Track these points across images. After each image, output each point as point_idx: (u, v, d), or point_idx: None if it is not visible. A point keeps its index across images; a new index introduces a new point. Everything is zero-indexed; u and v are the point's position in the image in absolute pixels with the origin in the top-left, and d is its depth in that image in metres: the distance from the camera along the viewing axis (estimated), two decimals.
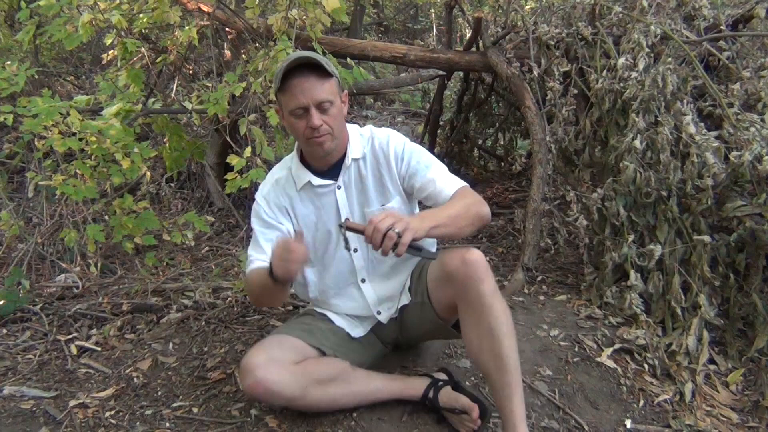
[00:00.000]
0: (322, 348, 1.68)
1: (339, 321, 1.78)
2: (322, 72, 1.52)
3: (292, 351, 1.62)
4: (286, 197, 1.71)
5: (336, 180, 1.67)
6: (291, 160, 1.73)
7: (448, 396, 1.66)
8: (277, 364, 1.55)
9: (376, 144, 1.68)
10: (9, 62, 2.66)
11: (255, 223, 1.73)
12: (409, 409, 1.72)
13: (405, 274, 1.78)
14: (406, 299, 1.76)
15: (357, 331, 1.78)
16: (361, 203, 1.69)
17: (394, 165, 1.67)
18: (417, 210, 1.80)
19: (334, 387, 1.61)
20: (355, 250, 1.71)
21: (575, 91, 2.74)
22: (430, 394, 1.67)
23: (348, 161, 1.67)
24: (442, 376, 1.74)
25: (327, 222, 1.69)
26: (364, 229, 1.39)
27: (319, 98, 1.51)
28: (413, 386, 1.71)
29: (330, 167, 1.67)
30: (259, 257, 1.64)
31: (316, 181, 1.67)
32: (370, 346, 1.82)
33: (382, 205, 1.68)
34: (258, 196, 1.74)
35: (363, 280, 1.74)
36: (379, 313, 1.77)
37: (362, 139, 1.70)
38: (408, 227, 1.36)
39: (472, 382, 1.87)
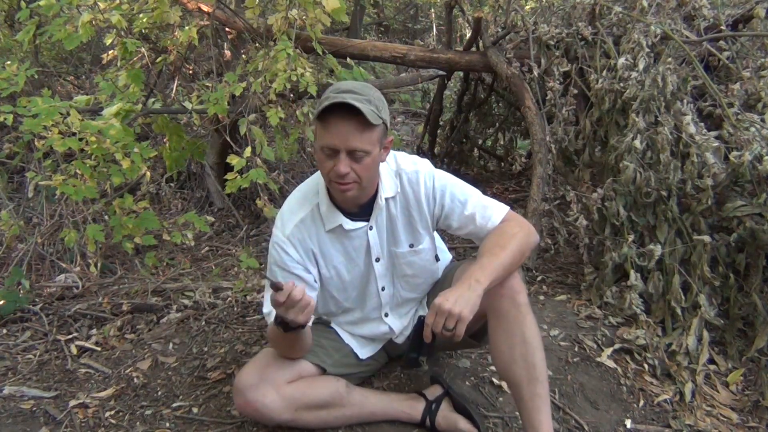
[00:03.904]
0: (323, 365, 1.63)
1: (348, 339, 1.73)
2: (365, 119, 1.35)
3: (287, 369, 1.57)
4: (314, 239, 1.56)
5: (368, 220, 1.56)
6: (315, 195, 1.57)
7: (446, 421, 1.64)
8: (269, 386, 1.52)
9: (405, 181, 1.56)
10: (9, 62, 2.66)
11: (276, 271, 1.55)
12: None
13: (420, 298, 1.76)
14: (423, 311, 1.74)
15: (365, 351, 1.74)
16: (390, 243, 1.60)
17: (426, 206, 1.57)
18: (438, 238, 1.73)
19: (326, 412, 1.58)
20: (383, 288, 1.65)
21: (575, 91, 2.74)
22: (427, 422, 1.65)
23: (381, 201, 1.54)
24: (438, 392, 1.71)
25: (359, 263, 1.60)
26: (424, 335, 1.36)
27: (353, 147, 1.37)
28: (410, 411, 1.67)
29: (360, 206, 1.55)
30: None
31: (349, 225, 1.54)
32: (376, 362, 1.81)
33: (411, 246, 1.60)
34: (278, 236, 1.55)
35: (386, 315, 1.71)
36: (397, 337, 1.76)
37: (391, 174, 1.56)
38: (460, 319, 1.31)
39: (472, 382, 1.87)
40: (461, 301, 1.32)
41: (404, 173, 1.56)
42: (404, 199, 1.57)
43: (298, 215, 1.56)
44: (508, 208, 1.57)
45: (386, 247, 1.61)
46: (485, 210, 1.54)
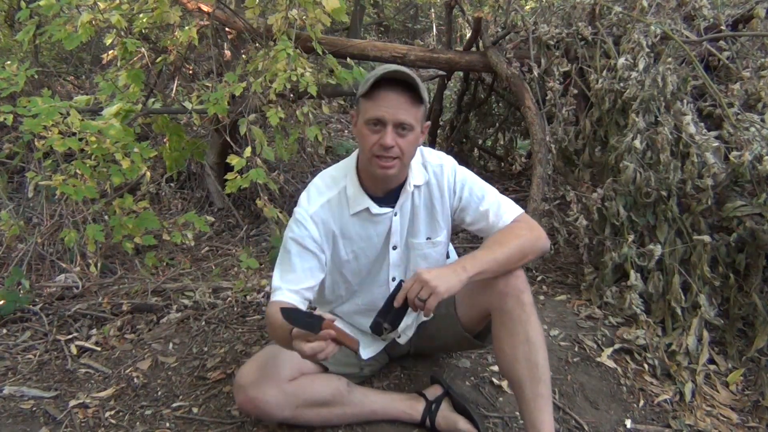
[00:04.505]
0: (324, 363, 1.63)
1: None
2: (415, 95, 1.42)
3: (288, 367, 1.56)
4: (337, 222, 1.56)
5: (393, 206, 1.57)
6: (345, 177, 1.58)
7: (446, 420, 1.65)
8: (270, 383, 1.51)
9: (431, 173, 1.60)
10: (9, 62, 2.66)
11: (292, 245, 1.53)
12: None
13: None
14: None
15: (368, 351, 1.74)
16: (409, 233, 1.62)
17: (448, 198, 1.61)
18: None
19: (327, 410, 1.58)
20: (394, 279, 1.65)
21: (575, 91, 2.74)
22: (427, 422, 1.66)
23: (410, 188, 1.57)
24: (438, 392, 1.71)
25: (377, 246, 1.60)
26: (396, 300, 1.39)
27: (402, 119, 1.41)
28: (410, 411, 1.67)
29: (387, 192, 1.57)
30: (288, 287, 1.49)
31: (375, 209, 1.55)
32: (376, 363, 1.81)
33: (428, 238, 1.63)
34: (302, 212, 1.54)
35: None
36: (399, 336, 1.76)
37: (419, 164, 1.60)
38: (434, 292, 1.33)
39: (472, 382, 1.87)
40: (441, 279, 1.35)
41: (430, 165, 1.61)
42: (428, 190, 1.60)
43: (325, 196, 1.57)
44: (522, 210, 1.60)
45: (405, 236, 1.62)
46: (499, 208, 1.58)
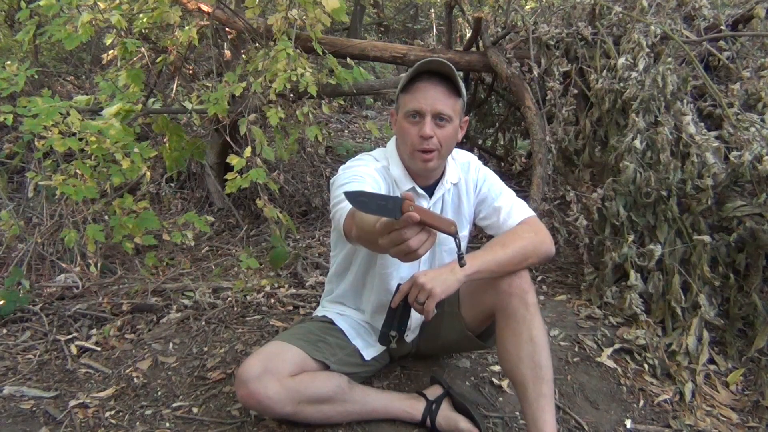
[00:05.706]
0: (326, 362, 1.63)
1: (354, 338, 1.72)
2: (452, 87, 1.48)
3: (291, 363, 1.56)
4: (391, 190, 1.58)
5: (429, 200, 1.62)
6: (385, 160, 1.60)
7: (447, 420, 1.65)
8: (272, 378, 1.51)
9: (460, 170, 1.66)
10: (9, 62, 2.66)
11: (353, 170, 1.49)
12: None
13: None
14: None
15: (370, 351, 1.74)
16: None
17: (473, 193, 1.66)
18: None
19: (328, 406, 1.58)
20: (400, 283, 1.62)
21: (575, 91, 2.74)
22: (428, 422, 1.66)
23: (447, 184, 1.62)
24: (438, 392, 1.71)
25: None
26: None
27: (440, 110, 1.46)
28: (410, 410, 1.67)
29: (424, 187, 1.61)
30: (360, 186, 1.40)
31: (420, 189, 1.59)
32: (378, 363, 1.81)
33: None
34: (360, 167, 1.52)
35: None
36: (407, 334, 1.77)
37: (452, 162, 1.64)
38: (431, 295, 1.36)
39: (472, 382, 1.87)
40: (437, 280, 1.38)
41: (458, 162, 1.66)
42: (458, 187, 1.66)
43: (372, 165, 1.56)
44: (533, 213, 1.62)
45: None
46: (512, 208, 1.62)
